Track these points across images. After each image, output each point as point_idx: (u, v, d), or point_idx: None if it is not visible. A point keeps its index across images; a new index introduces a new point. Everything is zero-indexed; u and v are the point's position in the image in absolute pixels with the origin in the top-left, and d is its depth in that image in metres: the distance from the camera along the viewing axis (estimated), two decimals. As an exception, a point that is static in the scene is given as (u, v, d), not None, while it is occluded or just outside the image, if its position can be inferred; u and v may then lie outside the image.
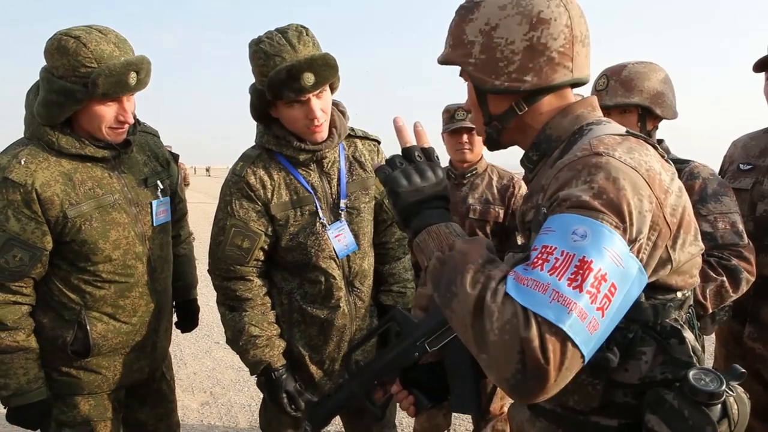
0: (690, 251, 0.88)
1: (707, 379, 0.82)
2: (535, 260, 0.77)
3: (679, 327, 0.88)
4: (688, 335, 0.88)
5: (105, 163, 1.60)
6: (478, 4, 0.98)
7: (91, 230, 1.53)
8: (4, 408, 1.59)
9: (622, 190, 0.79)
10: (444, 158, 2.58)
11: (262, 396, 1.83)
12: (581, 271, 0.74)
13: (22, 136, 1.58)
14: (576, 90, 1.10)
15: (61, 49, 1.42)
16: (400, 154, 1.00)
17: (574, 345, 0.72)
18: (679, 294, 0.90)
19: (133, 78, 1.47)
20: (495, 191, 2.42)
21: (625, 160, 0.83)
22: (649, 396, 0.86)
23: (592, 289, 0.73)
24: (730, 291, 1.56)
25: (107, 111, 1.50)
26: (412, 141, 1.01)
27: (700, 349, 0.90)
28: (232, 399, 3.57)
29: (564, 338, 0.72)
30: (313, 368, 1.75)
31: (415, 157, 0.98)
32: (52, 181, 1.48)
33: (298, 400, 1.69)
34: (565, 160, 0.87)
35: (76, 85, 1.43)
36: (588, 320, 0.73)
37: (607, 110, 1.82)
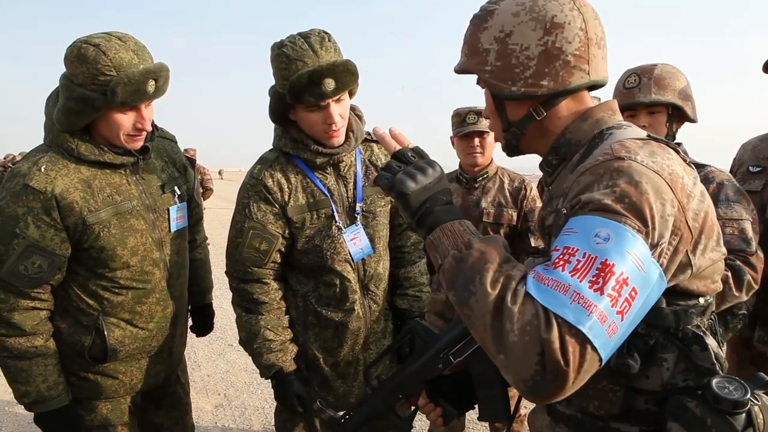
0: (711, 257, 0.87)
1: (731, 387, 0.81)
2: (557, 260, 0.77)
3: (702, 333, 0.87)
4: (711, 342, 0.87)
5: (123, 170, 1.60)
6: (492, 12, 0.98)
7: (109, 237, 1.53)
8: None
9: (645, 194, 0.78)
10: (454, 162, 2.57)
11: (276, 398, 1.84)
12: (603, 274, 0.74)
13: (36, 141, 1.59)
14: (593, 92, 1.09)
15: (81, 57, 1.42)
16: (394, 158, 0.99)
17: (593, 348, 0.72)
18: (701, 300, 0.89)
19: (151, 86, 1.47)
20: (507, 194, 2.42)
21: (648, 164, 0.82)
22: (671, 403, 0.85)
23: (613, 293, 0.73)
24: (733, 289, 1.53)
25: (125, 119, 1.50)
26: (397, 145, 1.01)
27: (723, 356, 0.88)
28: (245, 401, 3.58)
29: (583, 340, 0.72)
30: (327, 370, 1.76)
31: (410, 157, 0.98)
32: (71, 188, 1.49)
33: (307, 403, 1.70)
34: (587, 164, 0.86)
35: (95, 93, 1.43)
36: (608, 323, 0.73)
37: (633, 109, 1.80)
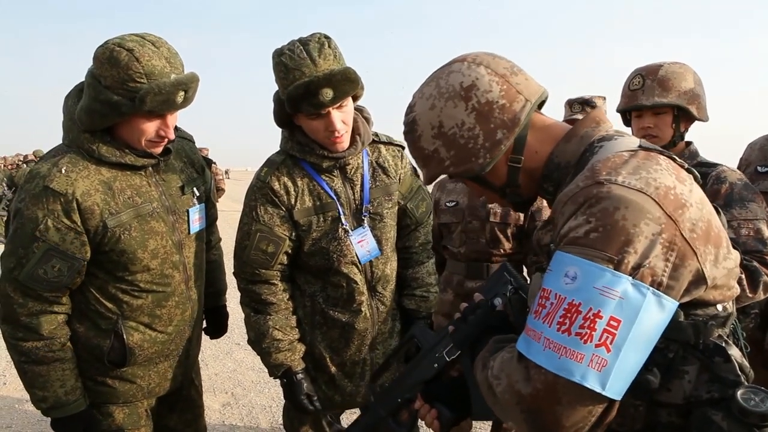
0: (725, 266, 0.85)
1: (757, 398, 0.78)
2: (537, 308, 0.83)
3: (723, 344, 0.84)
4: (734, 352, 0.84)
5: (143, 171, 1.57)
6: (413, 120, 1.02)
7: (130, 240, 1.50)
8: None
9: (621, 220, 0.78)
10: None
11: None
12: (569, 315, 0.78)
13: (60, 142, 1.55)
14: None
15: (113, 60, 1.38)
16: None
17: (573, 383, 0.76)
18: (719, 308, 0.86)
19: (180, 97, 1.45)
20: None
21: (629, 183, 0.81)
22: (695, 416, 0.83)
23: (582, 330, 0.76)
24: (747, 290, 1.52)
25: (149, 126, 1.48)
26: None
27: (747, 365, 0.85)
28: (253, 400, 3.60)
29: (555, 379, 0.77)
30: (333, 369, 1.78)
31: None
32: (92, 191, 1.46)
33: (315, 402, 1.73)
34: (569, 192, 0.86)
35: (123, 99, 1.39)
36: (587, 359, 0.76)
37: (641, 111, 1.79)
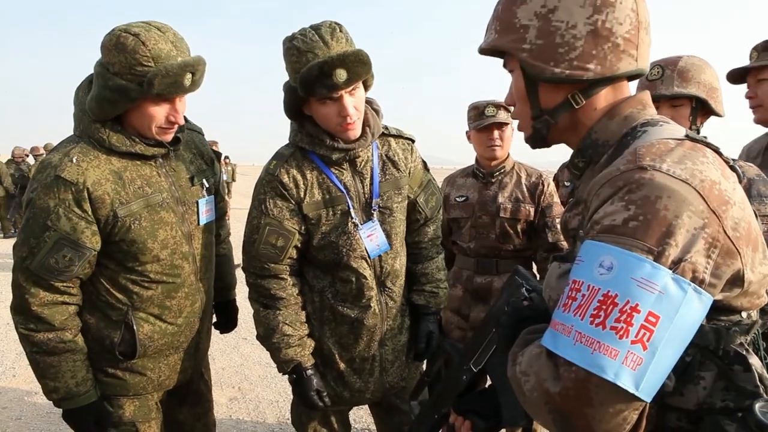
0: (761, 271, 0.80)
1: None
2: (566, 300, 0.77)
3: (744, 353, 0.80)
4: (755, 361, 0.81)
5: (153, 161, 1.58)
6: None
7: (140, 230, 1.51)
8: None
9: (663, 210, 0.73)
10: (470, 156, 2.54)
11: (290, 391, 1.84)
12: (604, 307, 0.72)
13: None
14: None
15: (120, 46, 1.40)
16: None
17: (606, 382, 0.70)
18: (744, 315, 0.82)
19: (188, 79, 1.46)
20: (525, 189, 2.39)
21: (674, 172, 0.76)
22: (707, 424, 0.80)
23: (618, 324, 0.71)
24: None
25: (159, 111, 1.49)
26: None
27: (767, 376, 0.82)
28: (260, 395, 3.61)
29: (587, 377, 0.71)
30: (342, 365, 1.76)
31: None
32: (103, 180, 1.47)
33: (325, 398, 1.72)
34: (607, 174, 0.81)
35: (131, 84, 1.41)
36: (622, 356, 0.70)
37: (656, 102, 1.77)
